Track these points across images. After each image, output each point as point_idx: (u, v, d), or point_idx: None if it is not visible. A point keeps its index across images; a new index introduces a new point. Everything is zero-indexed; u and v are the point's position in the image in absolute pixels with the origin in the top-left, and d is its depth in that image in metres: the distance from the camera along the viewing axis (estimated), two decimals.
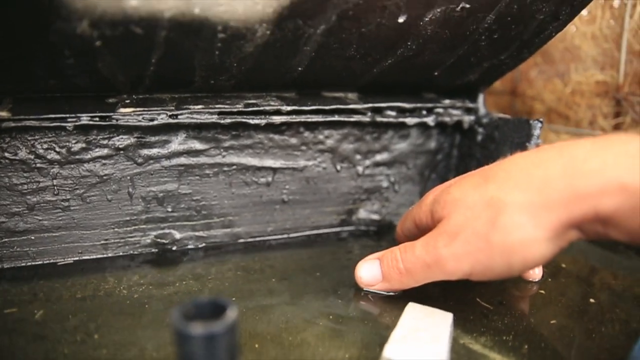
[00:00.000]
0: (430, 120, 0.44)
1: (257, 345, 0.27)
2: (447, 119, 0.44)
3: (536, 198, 0.26)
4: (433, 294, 0.33)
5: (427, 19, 0.33)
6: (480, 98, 0.45)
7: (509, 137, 0.42)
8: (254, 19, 0.28)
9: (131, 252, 0.39)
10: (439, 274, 0.29)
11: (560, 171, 0.26)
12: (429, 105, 0.43)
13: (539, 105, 0.59)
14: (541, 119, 0.39)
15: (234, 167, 0.40)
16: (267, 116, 0.38)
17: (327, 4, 0.29)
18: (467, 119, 0.45)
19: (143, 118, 0.35)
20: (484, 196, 0.28)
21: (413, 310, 0.30)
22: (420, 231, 0.35)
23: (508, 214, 0.27)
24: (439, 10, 0.33)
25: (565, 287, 0.36)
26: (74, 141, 0.35)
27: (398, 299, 0.32)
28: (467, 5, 0.33)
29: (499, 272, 0.28)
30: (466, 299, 0.34)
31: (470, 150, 0.46)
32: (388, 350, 0.25)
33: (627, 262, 0.41)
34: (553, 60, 0.56)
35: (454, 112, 0.45)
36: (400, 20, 0.32)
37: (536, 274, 0.37)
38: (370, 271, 0.33)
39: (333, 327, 0.30)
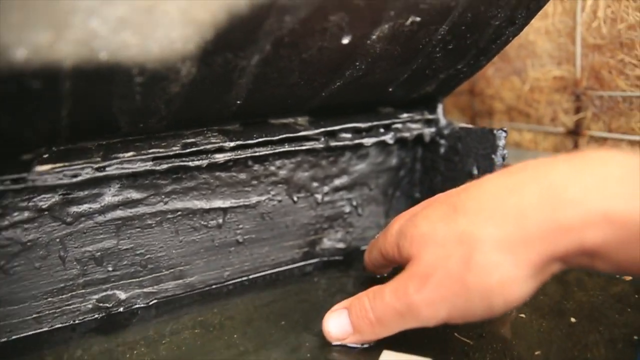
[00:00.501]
0: (388, 137, 0.41)
1: None
2: (406, 134, 0.41)
3: (513, 232, 0.24)
4: (408, 331, 0.31)
5: (374, 37, 0.30)
6: (440, 108, 0.42)
7: (472, 148, 0.39)
8: (175, 57, 0.25)
9: (71, 321, 0.34)
10: (413, 322, 0.27)
11: (538, 200, 0.23)
12: (386, 121, 0.40)
13: (499, 103, 0.57)
14: (505, 129, 0.37)
15: (179, 213, 0.36)
16: (209, 155, 0.34)
17: (257, 32, 0.26)
18: (428, 131, 0.42)
19: (64, 175, 0.30)
20: (454, 230, 0.26)
21: None
22: (389, 262, 0.33)
23: (483, 252, 0.24)
24: (386, 26, 0.30)
25: (544, 305, 0.34)
26: None
27: (371, 347, 0.30)
28: (418, 19, 0.30)
29: (479, 315, 0.25)
30: (444, 335, 0.31)
31: (433, 163, 0.44)
32: None
33: None
34: (509, 57, 0.54)
35: (413, 125, 0.42)
36: (345, 41, 0.29)
37: None
38: (338, 324, 0.29)
39: None
